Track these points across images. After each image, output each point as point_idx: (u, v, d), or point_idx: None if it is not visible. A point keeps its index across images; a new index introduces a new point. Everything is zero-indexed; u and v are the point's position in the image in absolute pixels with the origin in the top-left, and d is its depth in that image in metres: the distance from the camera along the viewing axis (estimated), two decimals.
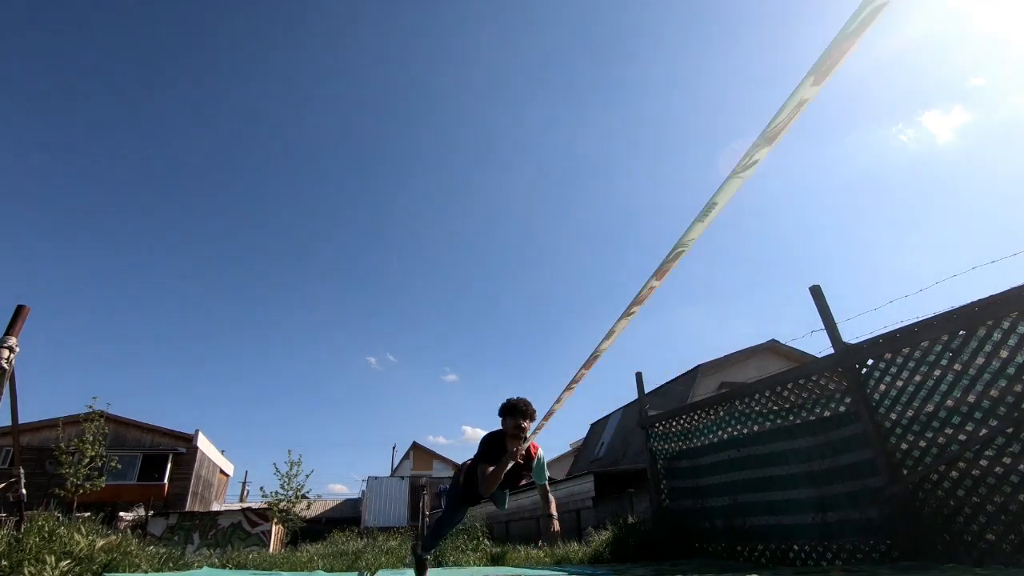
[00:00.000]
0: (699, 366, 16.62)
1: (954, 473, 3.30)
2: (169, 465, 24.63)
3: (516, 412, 3.19)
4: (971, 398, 3.24)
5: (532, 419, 3.21)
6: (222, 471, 32.87)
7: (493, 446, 3.26)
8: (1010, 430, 2.98)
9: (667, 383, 17.63)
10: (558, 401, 2.66)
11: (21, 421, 3.33)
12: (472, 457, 3.52)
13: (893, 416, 3.69)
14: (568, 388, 2.50)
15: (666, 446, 6.15)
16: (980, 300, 3.21)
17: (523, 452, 3.20)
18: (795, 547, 4.36)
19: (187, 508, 23.36)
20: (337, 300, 73.94)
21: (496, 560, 7.79)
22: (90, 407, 14.15)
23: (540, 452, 3.43)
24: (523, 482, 3.45)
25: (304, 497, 16.42)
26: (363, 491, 31.40)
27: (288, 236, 74.64)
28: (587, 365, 2.27)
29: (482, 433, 3.55)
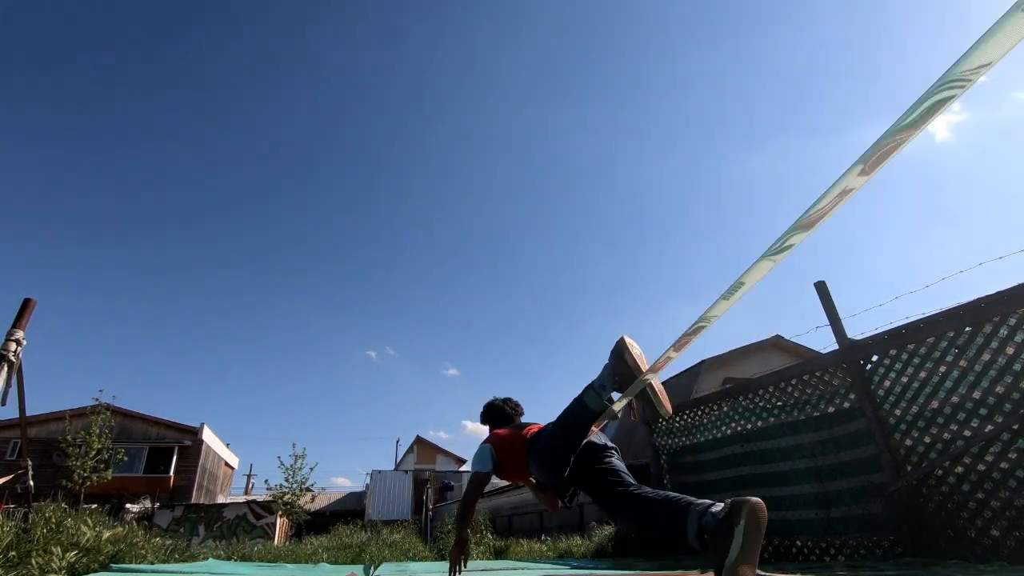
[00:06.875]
0: (703, 361, 16.59)
1: (958, 469, 3.28)
2: (175, 458, 24.83)
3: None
4: (976, 394, 3.22)
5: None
6: (227, 464, 33.11)
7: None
8: (1015, 427, 2.97)
9: (670, 378, 17.63)
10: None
11: (28, 414, 3.35)
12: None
13: (897, 412, 3.67)
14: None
15: (669, 441, 6.15)
16: (986, 296, 3.19)
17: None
18: (798, 542, 4.36)
19: (192, 500, 23.56)
20: (337, 294, 74.14)
21: (499, 553, 7.83)
22: (96, 400, 14.29)
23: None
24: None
25: (308, 490, 16.55)
26: (367, 484, 31.60)
27: (289, 231, 74.82)
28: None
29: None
